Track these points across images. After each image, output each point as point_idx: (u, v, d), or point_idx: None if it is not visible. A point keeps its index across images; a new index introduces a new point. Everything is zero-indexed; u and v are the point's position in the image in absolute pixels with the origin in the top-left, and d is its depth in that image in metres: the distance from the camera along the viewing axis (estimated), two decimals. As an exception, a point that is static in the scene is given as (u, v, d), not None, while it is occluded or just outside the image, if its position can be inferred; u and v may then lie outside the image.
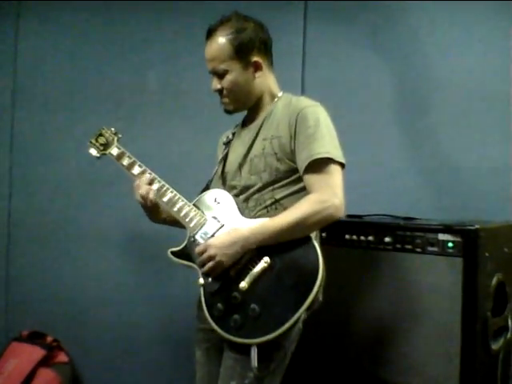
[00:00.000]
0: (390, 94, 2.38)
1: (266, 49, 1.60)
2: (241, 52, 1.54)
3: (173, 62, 2.55)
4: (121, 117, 2.45)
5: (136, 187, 1.61)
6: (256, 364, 1.37)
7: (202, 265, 1.47)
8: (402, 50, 2.35)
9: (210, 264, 1.45)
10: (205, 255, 1.46)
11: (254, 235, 1.44)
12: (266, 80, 1.62)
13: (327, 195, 1.42)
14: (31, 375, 2.32)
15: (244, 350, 1.40)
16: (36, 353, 2.39)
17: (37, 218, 2.59)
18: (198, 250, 1.49)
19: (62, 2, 2.57)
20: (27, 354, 2.39)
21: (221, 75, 1.56)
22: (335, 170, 1.45)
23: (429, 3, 2.28)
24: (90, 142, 1.74)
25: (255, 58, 1.56)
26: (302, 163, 1.47)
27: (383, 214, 2.05)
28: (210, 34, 1.57)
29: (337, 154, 1.46)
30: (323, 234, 1.60)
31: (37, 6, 2.60)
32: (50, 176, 2.58)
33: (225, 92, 1.59)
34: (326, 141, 1.46)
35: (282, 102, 1.59)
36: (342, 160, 1.47)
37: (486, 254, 1.68)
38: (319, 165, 1.44)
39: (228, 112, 1.64)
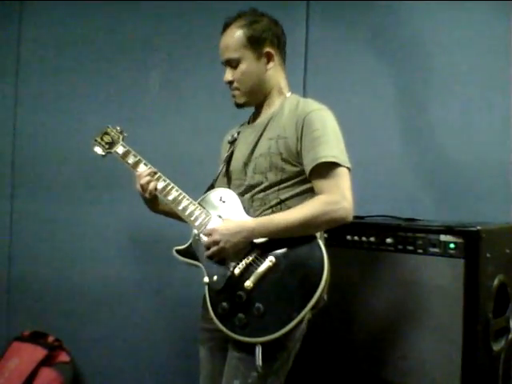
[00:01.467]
0: (392, 95, 2.38)
1: (278, 43, 1.61)
2: (254, 41, 1.56)
3: (175, 62, 2.56)
4: (123, 117, 2.44)
5: (137, 177, 1.63)
6: (260, 362, 1.38)
7: (207, 248, 1.50)
8: (403, 51, 2.36)
9: (214, 248, 1.48)
10: (209, 239, 1.48)
11: (259, 228, 1.45)
12: (277, 75, 1.62)
13: (337, 197, 1.43)
14: (33, 375, 2.33)
15: (248, 350, 1.41)
16: (37, 352, 2.39)
17: (39, 218, 2.59)
18: (204, 232, 1.52)
19: (64, 2, 2.58)
20: (29, 354, 2.39)
21: (234, 65, 1.58)
22: (343, 173, 1.46)
23: (430, 4, 2.28)
24: (95, 141, 1.74)
25: (267, 49, 1.58)
26: (307, 165, 1.48)
27: (385, 215, 2.05)
28: (226, 26, 1.60)
29: (343, 158, 1.47)
30: (325, 235, 1.60)
31: (39, 6, 2.61)
32: (52, 176, 2.58)
33: (236, 84, 1.59)
34: (333, 145, 1.47)
35: (290, 102, 1.59)
36: (348, 165, 1.47)
37: (488, 255, 1.68)
38: (327, 168, 1.45)
39: (238, 105, 1.64)
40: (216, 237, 1.47)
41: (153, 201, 1.68)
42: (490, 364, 1.75)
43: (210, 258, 1.50)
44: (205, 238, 1.53)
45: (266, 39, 1.57)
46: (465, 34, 2.27)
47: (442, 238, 1.70)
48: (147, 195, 1.63)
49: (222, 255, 1.48)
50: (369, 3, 2.37)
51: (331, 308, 1.53)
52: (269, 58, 1.58)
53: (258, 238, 1.46)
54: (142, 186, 1.62)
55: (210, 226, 1.54)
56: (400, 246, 1.79)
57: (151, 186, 1.61)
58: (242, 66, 1.57)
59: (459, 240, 1.66)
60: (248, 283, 1.43)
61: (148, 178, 1.62)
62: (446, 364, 1.66)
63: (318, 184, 1.47)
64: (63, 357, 2.48)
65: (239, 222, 1.50)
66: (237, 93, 1.61)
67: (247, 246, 1.47)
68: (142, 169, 1.65)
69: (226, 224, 1.50)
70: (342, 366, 1.91)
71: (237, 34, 1.56)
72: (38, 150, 2.60)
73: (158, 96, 2.56)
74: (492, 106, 2.20)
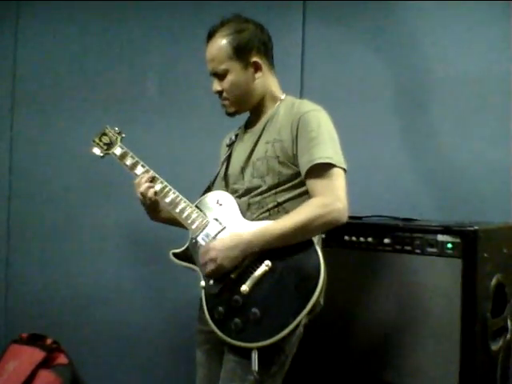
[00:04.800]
0: (390, 95, 2.38)
1: (265, 50, 1.60)
2: (240, 52, 1.54)
3: (172, 64, 2.56)
4: (120, 119, 2.41)
5: (136, 185, 1.62)
6: (256, 368, 1.37)
7: (204, 267, 1.48)
8: (401, 50, 2.36)
9: (212, 266, 1.45)
10: (206, 257, 1.46)
11: (256, 239, 1.43)
12: (267, 81, 1.61)
13: (330, 199, 1.42)
14: (31, 377, 2.32)
15: (244, 353, 1.40)
16: (36, 355, 2.39)
17: (36, 219, 2.59)
18: (200, 252, 1.49)
19: (61, 3, 2.58)
20: (27, 356, 2.39)
21: (221, 76, 1.57)
22: (338, 173, 1.45)
23: (428, 3, 2.28)
24: (94, 141, 1.74)
25: (254, 59, 1.56)
26: (303, 167, 1.47)
27: (382, 215, 2.05)
28: (211, 35, 1.58)
29: (338, 159, 1.46)
30: (322, 236, 1.59)
31: (36, 7, 2.61)
32: (50, 177, 2.58)
33: (225, 94, 1.58)
34: (328, 146, 1.46)
35: (285, 105, 1.59)
36: (344, 166, 1.47)
37: (485, 255, 1.68)
38: (321, 169, 1.44)
39: (229, 114, 1.63)
40: (213, 254, 1.45)
41: (154, 208, 1.66)
42: (488, 363, 1.76)
43: (209, 276, 1.48)
44: (203, 242, 1.52)
45: (253, 48, 1.55)
46: (464, 33, 2.26)
47: (440, 238, 1.70)
48: (147, 201, 1.61)
49: (220, 272, 1.46)
50: (366, 3, 2.37)
51: (329, 308, 1.53)
52: (256, 67, 1.57)
53: (255, 249, 1.43)
54: (141, 194, 1.60)
55: (206, 231, 1.54)
56: (398, 247, 1.79)
57: (150, 193, 1.60)
58: (230, 77, 1.55)
59: (457, 240, 1.66)
60: (244, 288, 1.41)
61: (147, 184, 1.60)
62: (444, 364, 1.66)
63: (312, 185, 1.46)
64: (62, 359, 2.47)
65: (234, 236, 1.47)
66: (226, 103, 1.60)
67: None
68: (140, 171, 1.64)
69: (222, 240, 1.48)
70: (340, 366, 1.91)
71: (222, 44, 1.54)
72: (36, 152, 2.60)
73: (156, 98, 2.56)
74: (492, 106, 2.20)
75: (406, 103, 2.37)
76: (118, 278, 2.54)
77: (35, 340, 2.47)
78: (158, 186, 1.62)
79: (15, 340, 2.48)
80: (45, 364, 2.38)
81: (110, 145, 1.72)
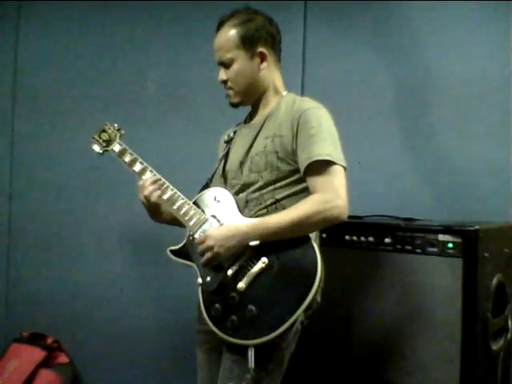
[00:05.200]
0: (390, 95, 2.38)
1: (273, 42, 1.60)
2: (246, 41, 1.55)
3: (173, 62, 2.56)
4: (121, 117, 2.42)
5: (140, 187, 1.61)
6: (253, 365, 1.37)
7: (201, 255, 1.48)
8: (402, 50, 2.35)
9: (208, 255, 1.46)
10: (203, 245, 1.47)
11: (252, 231, 1.44)
12: (272, 75, 1.61)
13: (331, 196, 1.41)
14: (32, 376, 2.33)
15: (242, 352, 1.39)
16: (36, 354, 2.40)
17: (37, 219, 2.59)
18: (197, 240, 1.50)
19: (62, 2, 2.58)
20: (28, 355, 2.40)
21: (227, 65, 1.57)
22: (338, 171, 1.45)
23: (429, 3, 2.28)
24: (93, 138, 1.73)
25: (261, 49, 1.57)
26: (302, 164, 1.47)
27: (383, 214, 2.05)
28: (220, 25, 1.59)
29: (338, 156, 1.46)
30: (323, 235, 1.59)
31: (37, 6, 2.61)
32: (51, 177, 2.59)
33: (229, 83, 1.59)
34: (328, 143, 1.46)
35: (286, 101, 1.59)
36: (343, 163, 1.46)
37: (486, 255, 1.68)
38: (321, 166, 1.44)
39: (233, 105, 1.64)
40: (210, 242, 1.45)
41: (156, 209, 1.65)
42: (489, 363, 1.76)
43: (206, 264, 1.48)
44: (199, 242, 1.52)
45: (260, 38, 1.56)
46: (464, 33, 2.26)
47: (441, 237, 1.70)
48: (152, 204, 1.60)
49: (216, 261, 1.46)
50: (367, 3, 2.36)
51: (330, 308, 1.53)
52: (262, 57, 1.57)
53: (252, 241, 1.44)
54: (145, 196, 1.58)
55: (204, 227, 1.54)
56: (399, 246, 1.79)
57: (154, 197, 1.58)
58: (235, 66, 1.56)
59: (458, 240, 1.66)
60: (241, 285, 1.41)
61: (151, 188, 1.59)
62: (445, 363, 1.66)
63: (312, 182, 1.46)
64: (62, 358, 2.49)
65: (231, 226, 1.48)
66: (231, 92, 1.61)
67: (241, 248, 1.46)
68: (138, 168, 1.64)
69: (219, 230, 1.49)
70: (341, 366, 1.91)
71: (230, 33, 1.56)
72: (36, 151, 2.60)
73: (156, 96, 2.57)
74: (492, 106, 2.20)
75: (406, 103, 2.36)
76: (118, 278, 2.54)
77: (36, 339, 2.48)
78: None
79: (16, 339, 2.49)
80: (45, 363, 2.40)
81: (109, 142, 1.71)
